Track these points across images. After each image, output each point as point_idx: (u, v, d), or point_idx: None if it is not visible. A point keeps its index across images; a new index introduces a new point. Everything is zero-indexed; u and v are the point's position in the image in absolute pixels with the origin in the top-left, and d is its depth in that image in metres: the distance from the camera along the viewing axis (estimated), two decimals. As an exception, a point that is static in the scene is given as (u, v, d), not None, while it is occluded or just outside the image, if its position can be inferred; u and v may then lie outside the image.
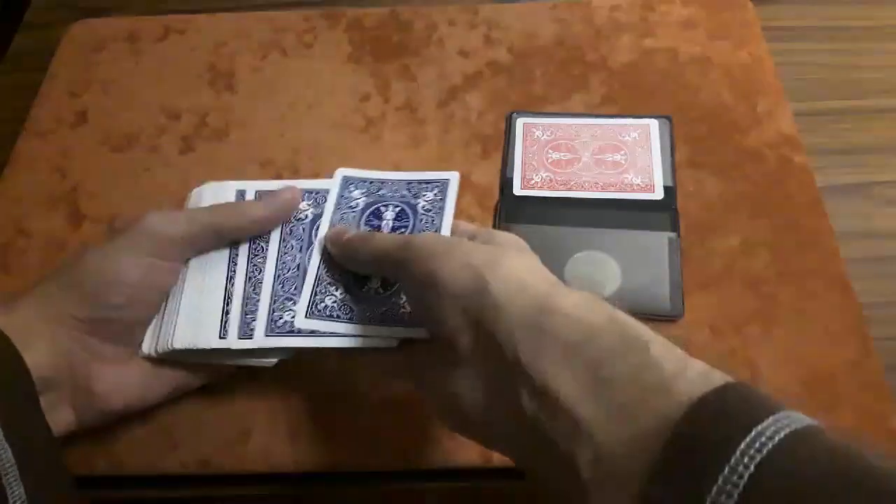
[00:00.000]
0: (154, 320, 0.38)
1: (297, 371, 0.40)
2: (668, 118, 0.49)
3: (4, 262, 0.46)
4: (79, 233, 0.47)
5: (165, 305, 0.38)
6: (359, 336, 0.35)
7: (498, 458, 0.37)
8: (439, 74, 0.53)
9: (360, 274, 0.37)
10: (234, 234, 0.39)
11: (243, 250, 0.40)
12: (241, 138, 0.51)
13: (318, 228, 0.40)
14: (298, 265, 0.38)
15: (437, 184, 0.40)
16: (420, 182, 0.40)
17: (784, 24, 0.56)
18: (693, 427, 0.22)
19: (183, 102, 0.53)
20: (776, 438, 0.20)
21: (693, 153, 0.48)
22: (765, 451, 0.20)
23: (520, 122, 0.50)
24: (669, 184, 0.46)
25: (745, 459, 0.20)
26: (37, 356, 0.33)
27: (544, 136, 0.49)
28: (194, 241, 0.38)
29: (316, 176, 0.46)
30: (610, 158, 0.47)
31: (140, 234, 0.37)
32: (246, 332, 0.37)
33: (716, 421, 0.22)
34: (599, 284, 0.42)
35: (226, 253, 0.39)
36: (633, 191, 0.46)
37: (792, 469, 0.20)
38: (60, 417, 0.35)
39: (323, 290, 0.37)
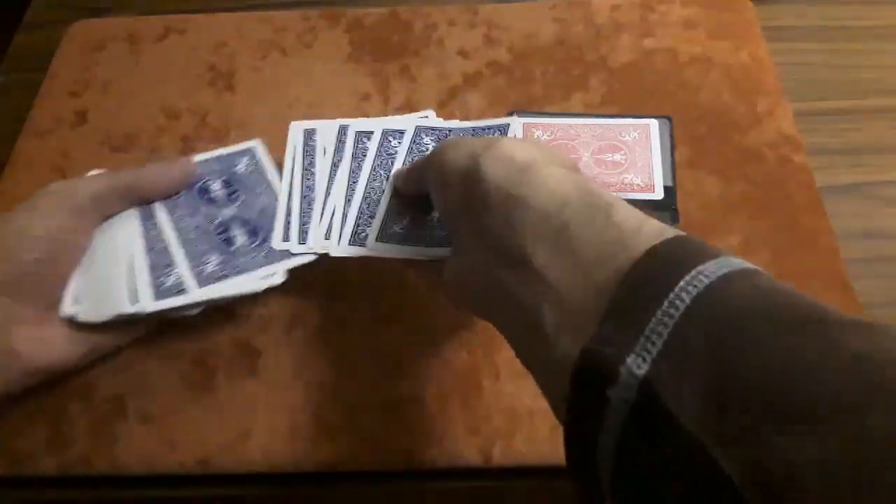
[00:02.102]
0: (75, 281, 0.39)
1: (298, 370, 0.41)
2: (668, 118, 0.49)
3: (4, 262, 0.46)
4: (79, 233, 0.47)
5: (98, 265, 0.39)
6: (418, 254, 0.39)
7: (498, 458, 0.38)
8: (439, 74, 0.53)
9: (424, 208, 0.39)
10: (141, 196, 0.42)
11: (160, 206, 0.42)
12: (241, 138, 0.50)
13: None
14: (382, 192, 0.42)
15: (498, 128, 0.42)
16: (484, 128, 0.43)
17: (784, 24, 0.56)
18: (642, 272, 0.23)
19: (183, 102, 0.53)
20: (713, 276, 0.22)
21: (693, 153, 0.48)
22: (701, 287, 0.22)
23: (520, 123, 0.50)
24: (669, 184, 0.46)
25: (683, 294, 0.22)
26: None
27: (544, 136, 0.49)
28: (103, 200, 0.40)
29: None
30: (610, 158, 0.47)
31: (50, 193, 0.39)
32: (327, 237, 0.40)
33: (662, 265, 0.23)
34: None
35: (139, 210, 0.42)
36: (633, 191, 0.46)
37: (723, 301, 0.21)
38: None
39: (392, 219, 0.40)
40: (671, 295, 0.22)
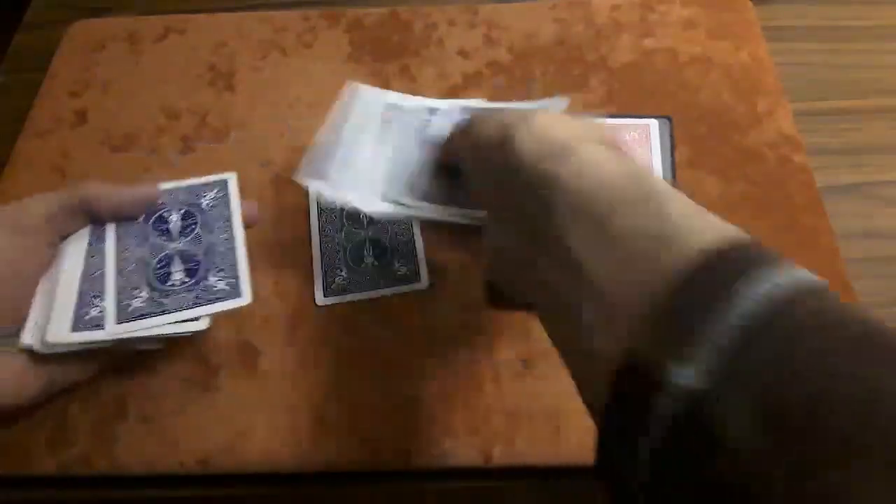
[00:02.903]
0: (33, 308, 0.37)
1: (298, 370, 0.40)
2: (668, 118, 0.49)
3: (4, 262, 0.46)
4: (79, 233, 0.47)
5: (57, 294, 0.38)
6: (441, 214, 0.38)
7: (498, 458, 0.38)
8: (439, 74, 0.53)
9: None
10: (95, 214, 0.39)
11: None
12: (241, 138, 0.51)
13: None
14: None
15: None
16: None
17: (784, 24, 0.56)
18: (696, 276, 0.21)
19: (183, 102, 0.53)
20: (780, 289, 0.20)
21: (693, 153, 0.48)
22: (766, 300, 0.20)
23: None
24: (669, 184, 0.46)
25: (745, 304, 0.19)
26: None
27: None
28: (56, 218, 0.38)
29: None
30: (610, 158, 0.47)
31: (1, 214, 0.36)
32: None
33: (721, 271, 0.21)
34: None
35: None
36: (633, 191, 0.46)
37: (792, 320, 0.19)
38: None
39: (425, 179, 0.39)
40: (732, 305, 0.20)
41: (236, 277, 0.39)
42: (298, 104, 0.52)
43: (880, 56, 0.54)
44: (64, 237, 0.39)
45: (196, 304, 0.38)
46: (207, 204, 0.42)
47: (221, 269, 0.39)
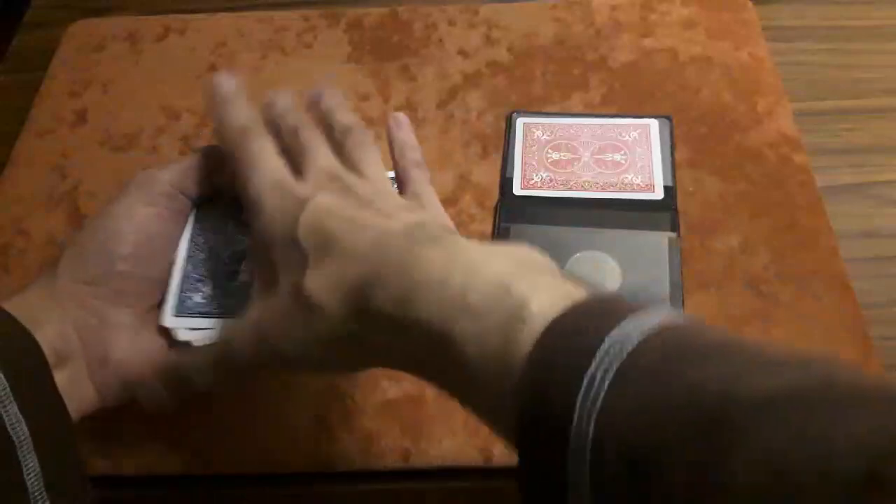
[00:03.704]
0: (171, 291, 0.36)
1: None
2: (668, 118, 0.49)
3: (4, 262, 0.45)
4: (79, 233, 0.47)
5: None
6: None
7: (498, 458, 0.37)
8: (439, 74, 0.53)
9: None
10: (223, 180, 0.37)
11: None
12: (241, 138, 0.51)
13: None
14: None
15: None
16: None
17: (784, 24, 0.56)
18: (545, 355, 0.23)
19: (183, 102, 0.53)
20: (629, 344, 0.21)
21: (693, 153, 0.48)
22: (600, 399, 0.21)
23: (520, 122, 0.50)
24: (669, 184, 0.46)
25: (600, 373, 0.21)
26: (47, 331, 0.32)
27: (544, 136, 0.49)
28: (183, 184, 0.37)
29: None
30: (610, 158, 0.47)
31: (129, 186, 0.36)
32: None
33: (567, 342, 0.23)
34: (599, 284, 0.42)
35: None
36: (633, 191, 0.46)
37: (640, 378, 0.21)
38: (82, 393, 0.33)
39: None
40: (586, 378, 0.21)
41: None
42: (298, 104, 0.52)
43: (880, 56, 0.54)
44: (197, 205, 0.38)
45: None
46: None
47: None
